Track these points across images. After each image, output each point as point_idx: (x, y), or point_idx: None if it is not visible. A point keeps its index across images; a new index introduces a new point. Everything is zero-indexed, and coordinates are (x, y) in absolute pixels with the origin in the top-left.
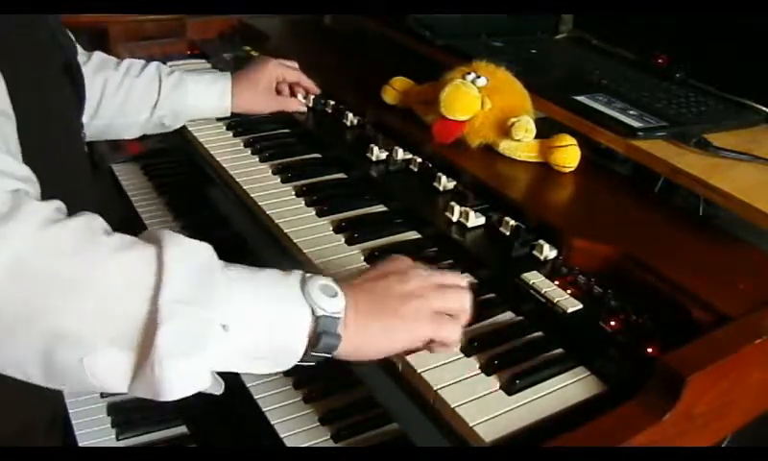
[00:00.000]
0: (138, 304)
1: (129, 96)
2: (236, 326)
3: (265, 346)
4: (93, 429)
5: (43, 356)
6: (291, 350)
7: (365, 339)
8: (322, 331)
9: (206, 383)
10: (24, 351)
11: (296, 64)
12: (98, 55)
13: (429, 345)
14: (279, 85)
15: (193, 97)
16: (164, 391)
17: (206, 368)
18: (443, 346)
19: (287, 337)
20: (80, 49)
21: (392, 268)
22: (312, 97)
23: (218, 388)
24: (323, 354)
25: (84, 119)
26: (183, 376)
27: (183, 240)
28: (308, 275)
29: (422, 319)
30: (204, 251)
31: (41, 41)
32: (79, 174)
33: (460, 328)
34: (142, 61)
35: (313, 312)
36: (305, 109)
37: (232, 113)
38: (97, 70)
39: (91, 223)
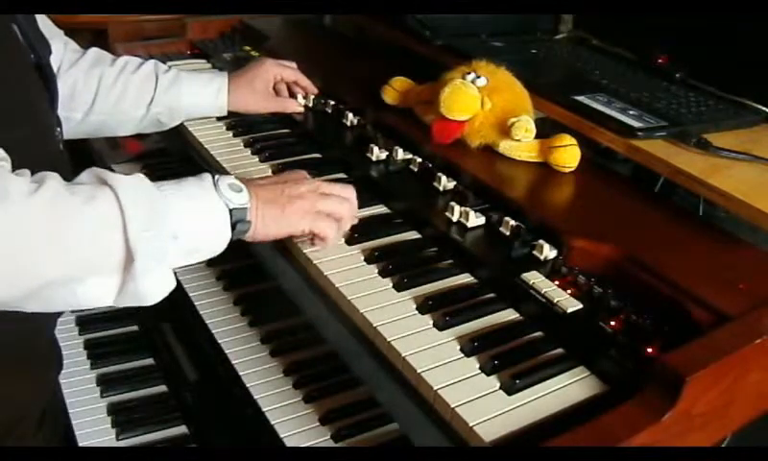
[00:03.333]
0: (115, 240)
1: (125, 92)
2: (182, 232)
3: (203, 239)
4: (93, 429)
5: (41, 296)
6: (221, 238)
7: (262, 225)
8: (237, 220)
9: (173, 283)
10: (25, 296)
11: (294, 64)
12: (93, 51)
13: (313, 238)
14: (277, 85)
15: (189, 95)
16: (147, 299)
17: (170, 270)
18: (321, 241)
19: (215, 229)
20: (74, 45)
21: (289, 177)
22: (311, 97)
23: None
24: (239, 237)
25: (79, 115)
26: (159, 282)
27: (124, 179)
28: (217, 176)
29: (305, 215)
30: (142, 182)
31: (10, 41)
32: (57, 168)
33: (335, 227)
34: (139, 59)
35: (227, 206)
36: (302, 109)
37: (231, 113)
38: (92, 66)
39: (59, 184)
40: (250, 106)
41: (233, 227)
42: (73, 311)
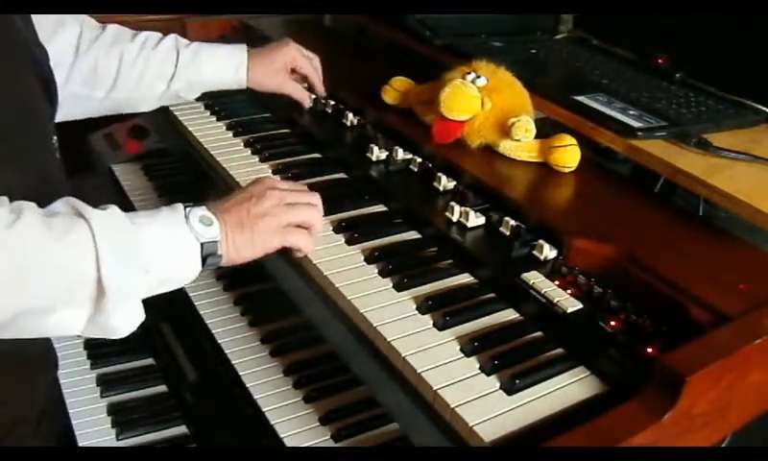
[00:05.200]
0: (88, 274)
1: (146, 69)
2: (153, 265)
3: (173, 272)
4: (93, 429)
5: (11, 325)
6: (192, 271)
7: (234, 251)
8: (207, 254)
9: (142, 316)
10: None
11: (316, 58)
12: (113, 28)
13: (292, 250)
14: (293, 71)
15: (209, 69)
16: (116, 332)
17: (140, 303)
18: (298, 251)
19: (185, 264)
20: (91, 22)
21: (254, 192)
22: (313, 96)
23: (144, 315)
24: (210, 268)
25: (102, 93)
26: (128, 316)
27: (98, 212)
28: (188, 208)
29: (275, 232)
30: (115, 215)
31: (12, 47)
32: (52, 177)
33: (307, 235)
34: (159, 34)
35: (197, 240)
36: (311, 104)
37: (230, 114)
38: (113, 43)
39: (35, 215)
40: (265, 83)
41: (204, 260)
42: None
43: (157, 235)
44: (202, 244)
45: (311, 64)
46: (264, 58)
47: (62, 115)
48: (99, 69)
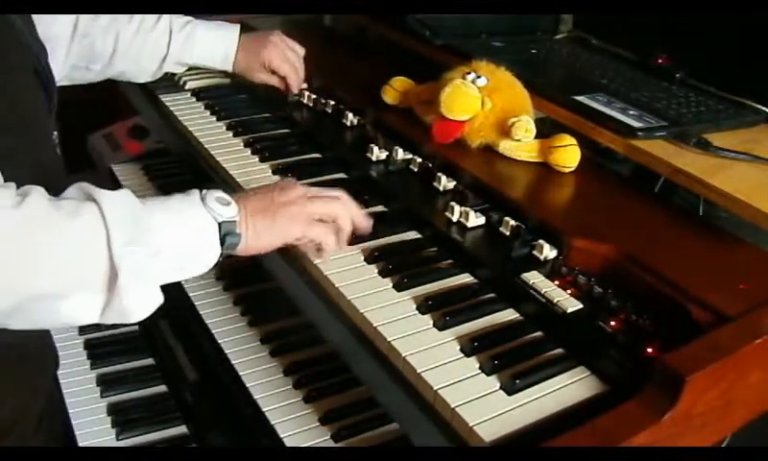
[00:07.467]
0: (99, 255)
1: (141, 50)
2: (167, 247)
3: (190, 254)
4: (93, 429)
5: (24, 312)
6: (210, 252)
7: (254, 237)
8: (226, 233)
9: (160, 299)
10: (7, 312)
11: (302, 52)
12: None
13: (317, 247)
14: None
15: (199, 53)
16: (133, 316)
17: (156, 287)
18: (320, 248)
19: (203, 243)
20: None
21: (277, 185)
22: (307, 93)
23: (162, 298)
24: (230, 251)
25: (98, 67)
26: (144, 298)
27: (109, 193)
28: (204, 191)
29: (296, 220)
30: (127, 196)
31: (9, 45)
32: (52, 173)
33: (332, 231)
34: (155, 16)
35: (215, 219)
36: (288, 93)
37: (229, 113)
38: (109, 24)
39: (43, 197)
40: (248, 74)
41: (222, 241)
42: None
43: (170, 216)
44: (219, 224)
45: (290, 65)
46: (252, 50)
47: (62, 80)
48: (95, 49)
